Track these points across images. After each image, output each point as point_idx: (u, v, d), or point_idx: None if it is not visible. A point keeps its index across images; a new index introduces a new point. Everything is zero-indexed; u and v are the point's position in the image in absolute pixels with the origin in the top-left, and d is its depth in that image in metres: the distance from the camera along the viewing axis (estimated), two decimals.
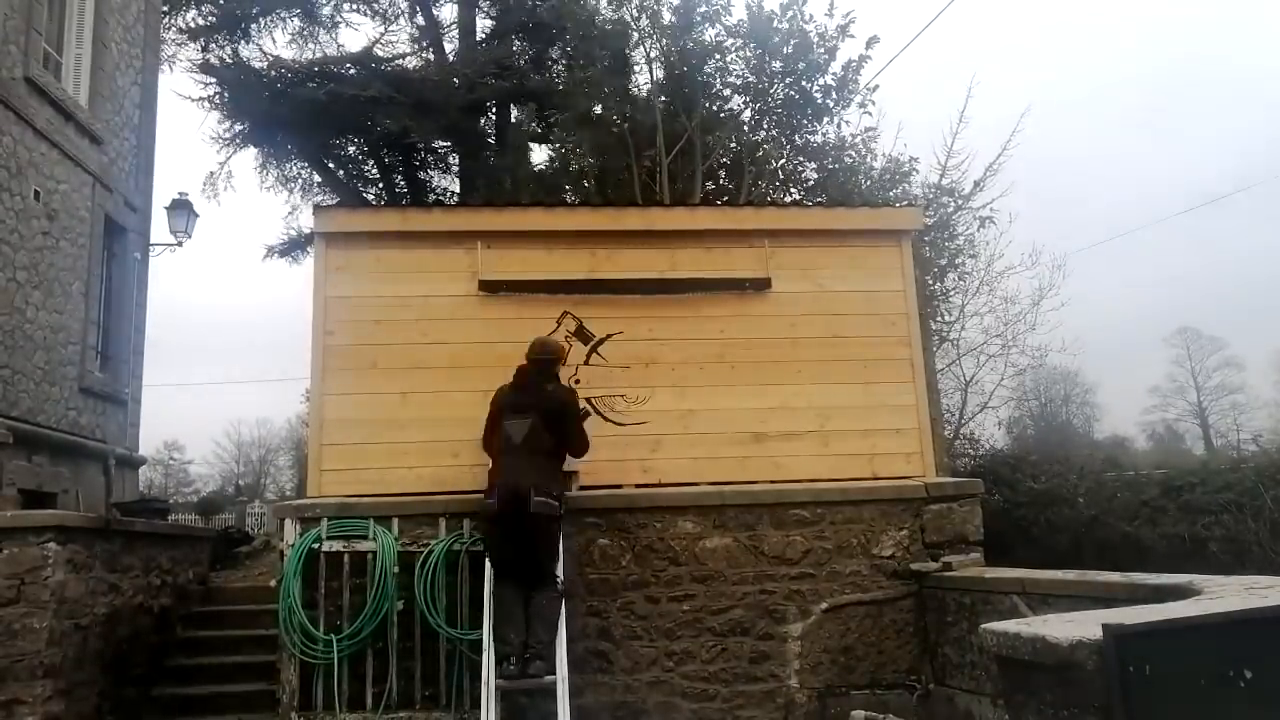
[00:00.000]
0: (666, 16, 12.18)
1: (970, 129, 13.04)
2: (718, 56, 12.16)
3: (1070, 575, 5.31)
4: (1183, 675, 2.64)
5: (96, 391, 11.32)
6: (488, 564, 5.61)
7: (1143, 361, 45.66)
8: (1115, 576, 4.96)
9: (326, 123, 12.77)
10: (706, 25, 12.07)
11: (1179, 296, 51.53)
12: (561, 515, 5.49)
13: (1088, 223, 45.00)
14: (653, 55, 12.36)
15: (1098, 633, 2.61)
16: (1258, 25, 60.42)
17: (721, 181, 13.27)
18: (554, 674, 5.16)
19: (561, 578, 5.54)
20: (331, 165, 14.38)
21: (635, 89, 12.46)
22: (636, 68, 12.40)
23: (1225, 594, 3.65)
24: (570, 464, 6.07)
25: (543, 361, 5.73)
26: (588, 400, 6.63)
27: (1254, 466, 9.06)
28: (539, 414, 5.47)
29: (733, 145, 12.64)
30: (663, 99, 12.19)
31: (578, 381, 6.67)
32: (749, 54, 12.16)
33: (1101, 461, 12.26)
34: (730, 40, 12.16)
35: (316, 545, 5.93)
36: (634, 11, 12.01)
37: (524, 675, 5.10)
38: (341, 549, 5.96)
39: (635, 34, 12.04)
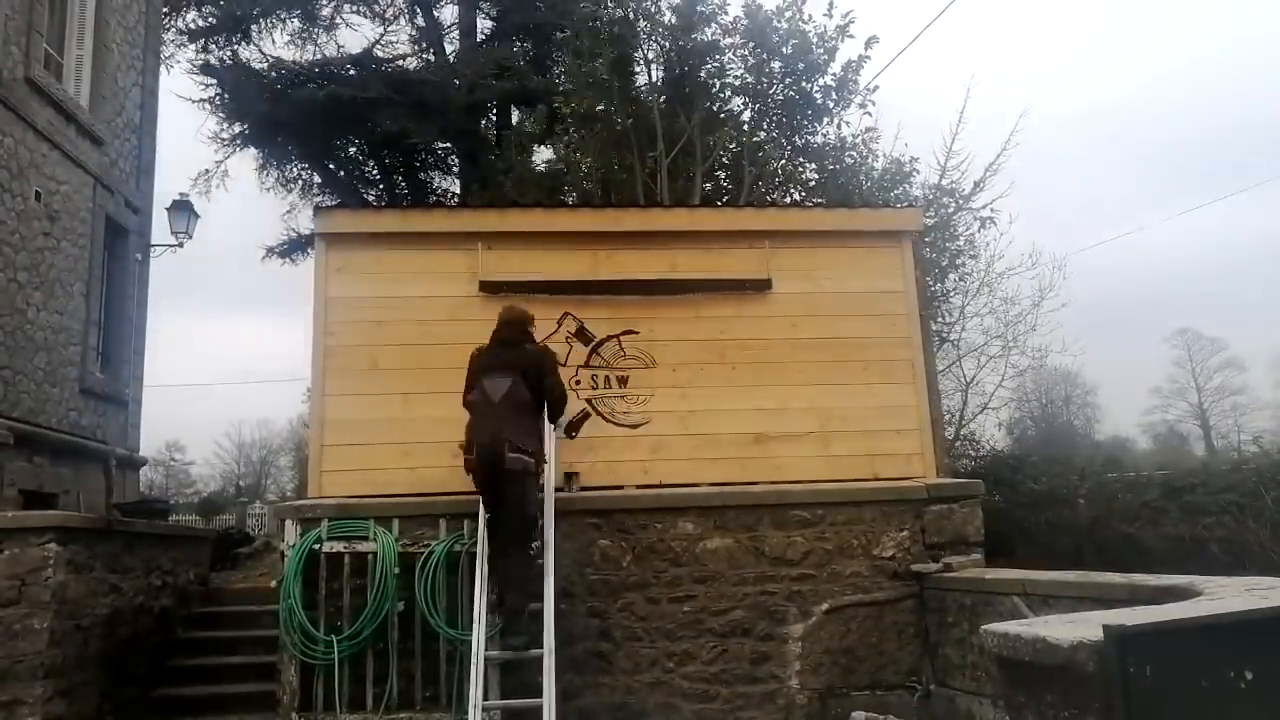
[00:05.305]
0: (667, 16, 12.18)
1: (970, 128, 13.01)
2: (716, 56, 12.14)
3: (1071, 576, 5.31)
4: (1183, 676, 2.64)
5: (97, 392, 11.33)
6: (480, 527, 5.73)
7: (1143, 362, 45.67)
8: (1116, 577, 4.96)
9: (327, 124, 12.80)
10: (705, 26, 12.05)
11: (1179, 296, 51.56)
12: (536, 471, 5.57)
13: (1087, 222, 45.02)
14: (650, 56, 12.34)
15: (1098, 634, 2.61)
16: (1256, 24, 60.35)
17: (722, 182, 13.24)
18: (532, 646, 5.29)
19: (537, 541, 5.66)
20: (332, 166, 14.41)
21: (636, 89, 12.44)
22: (638, 68, 12.37)
23: (1226, 595, 3.64)
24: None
25: (516, 324, 5.87)
26: (588, 401, 6.64)
27: (1255, 467, 9.02)
28: (518, 371, 5.60)
29: (733, 146, 12.61)
30: (663, 99, 12.18)
31: (578, 382, 6.68)
32: (747, 54, 12.14)
33: (1102, 462, 12.24)
34: (727, 39, 12.14)
35: (317, 546, 5.93)
36: (633, 12, 11.99)
37: (503, 648, 5.38)
38: (342, 550, 5.97)
39: (638, 32, 12.01)
